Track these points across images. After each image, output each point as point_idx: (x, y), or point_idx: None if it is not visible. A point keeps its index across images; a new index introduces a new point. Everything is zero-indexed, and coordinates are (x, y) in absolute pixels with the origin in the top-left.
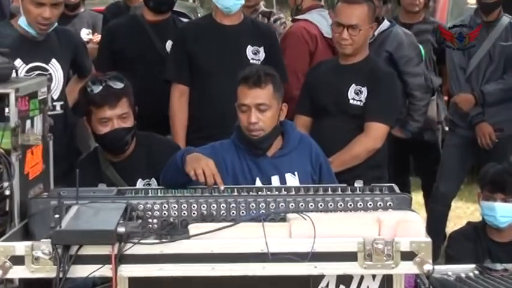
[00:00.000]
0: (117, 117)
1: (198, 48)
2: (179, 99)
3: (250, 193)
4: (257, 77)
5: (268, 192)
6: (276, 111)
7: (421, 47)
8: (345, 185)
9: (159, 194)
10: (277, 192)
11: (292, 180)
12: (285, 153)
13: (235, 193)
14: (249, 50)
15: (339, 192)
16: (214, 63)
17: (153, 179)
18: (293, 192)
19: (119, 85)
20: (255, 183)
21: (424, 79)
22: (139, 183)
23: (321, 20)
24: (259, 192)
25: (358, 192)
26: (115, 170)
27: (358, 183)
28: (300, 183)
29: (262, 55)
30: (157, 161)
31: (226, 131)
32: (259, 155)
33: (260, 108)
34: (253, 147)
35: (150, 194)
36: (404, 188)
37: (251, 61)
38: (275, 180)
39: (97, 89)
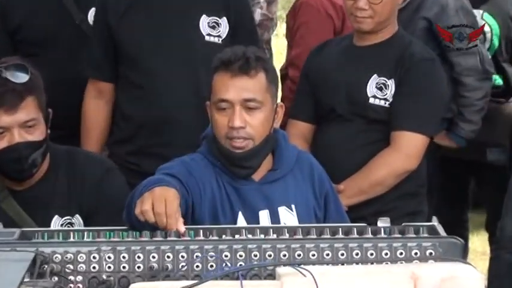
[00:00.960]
0: (19, 126)
1: (123, 24)
2: (95, 101)
3: (224, 236)
4: (245, 60)
5: (250, 236)
6: (270, 112)
7: (485, 16)
8: (363, 224)
9: (85, 239)
10: (262, 236)
11: (288, 216)
12: (278, 178)
13: (201, 237)
14: (204, 22)
15: (355, 235)
16: (146, 44)
17: (77, 216)
18: (286, 235)
19: (21, 78)
20: (236, 220)
21: (479, 61)
22: (55, 222)
23: None
24: (237, 236)
25: (382, 235)
26: (17, 203)
27: (383, 222)
28: (300, 221)
29: (224, 29)
30: (83, 190)
31: (173, 141)
32: (241, 178)
33: (248, 105)
34: (235, 166)
35: (71, 239)
36: (456, 229)
37: (207, 38)
38: (264, 217)
39: None
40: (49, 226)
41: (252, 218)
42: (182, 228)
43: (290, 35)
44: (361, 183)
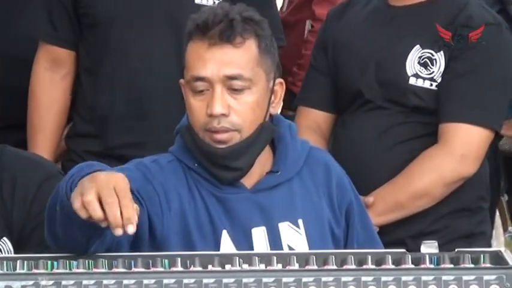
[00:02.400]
0: None
1: None
2: (49, 74)
3: (210, 267)
4: (227, 23)
5: (246, 265)
6: (263, 93)
7: None
8: (401, 250)
9: (18, 270)
10: (263, 266)
11: (292, 234)
12: (279, 183)
13: (179, 267)
14: None
15: (390, 265)
16: (119, 5)
17: (4, 240)
18: (295, 265)
19: None
20: (219, 241)
21: None
22: None
23: None
24: (229, 266)
25: (428, 265)
26: None
27: (429, 247)
28: (310, 242)
29: None
30: (12, 203)
31: (150, 140)
32: (226, 185)
33: (233, 85)
34: (217, 168)
35: None
36: None
37: (197, 1)
38: (259, 236)
39: None
40: None
41: (243, 238)
42: (132, 229)
43: None
44: (398, 195)
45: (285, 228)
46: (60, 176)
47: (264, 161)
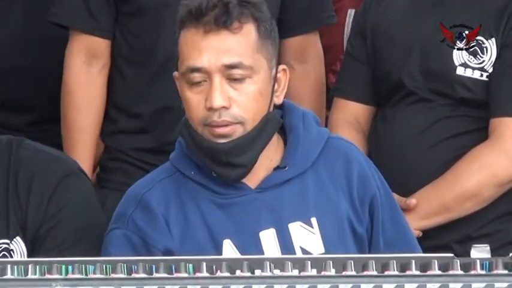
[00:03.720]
0: None
1: None
2: (86, 68)
3: (239, 272)
4: (223, 7)
5: (278, 271)
6: (266, 81)
7: None
8: (449, 255)
9: (29, 276)
10: (296, 271)
11: (305, 235)
12: (288, 179)
13: (205, 273)
14: None
15: (436, 271)
16: None
17: (17, 240)
18: (332, 271)
19: None
20: (220, 253)
21: None
22: None
23: None
24: (259, 271)
25: (479, 271)
26: None
27: (480, 252)
28: (325, 241)
29: None
30: (27, 202)
31: None
32: (227, 188)
33: (232, 75)
34: (219, 165)
35: (9, 275)
36: None
37: None
38: (268, 239)
39: None
40: None
41: (251, 243)
42: None
43: None
44: (444, 196)
45: (297, 229)
46: (81, 173)
47: (271, 156)
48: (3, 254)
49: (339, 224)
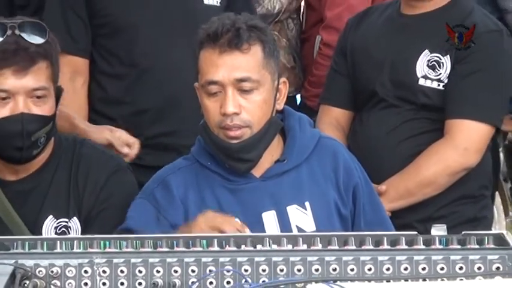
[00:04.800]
0: (26, 93)
1: None
2: (71, 84)
3: (244, 247)
4: (235, 31)
5: (275, 246)
6: (269, 92)
7: None
8: (413, 232)
9: (75, 249)
10: (290, 246)
11: (300, 216)
12: (286, 170)
13: (216, 247)
14: None
15: (403, 246)
16: (144, 15)
17: (75, 220)
18: (319, 246)
19: (36, 38)
20: None
21: None
22: (49, 225)
23: None
24: (260, 246)
25: (438, 246)
26: (7, 196)
27: (438, 230)
28: (316, 222)
29: None
30: (84, 189)
31: (178, 129)
32: (238, 177)
33: (242, 87)
34: (232, 160)
35: (58, 249)
36: None
37: (205, 1)
38: (269, 219)
39: None
40: (41, 228)
41: (255, 222)
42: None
43: None
44: (408, 183)
45: (293, 211)
46: (127, 169)
47: (273, 151)
48: (63, 230)
49: (327, 208)
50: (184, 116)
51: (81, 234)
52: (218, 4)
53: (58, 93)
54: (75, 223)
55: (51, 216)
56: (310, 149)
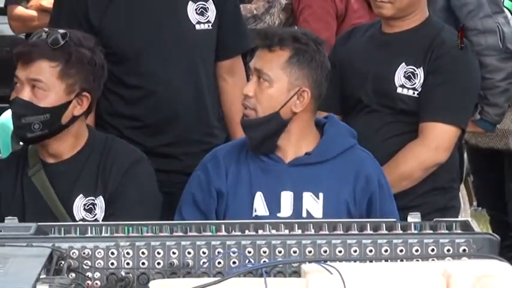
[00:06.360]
0: (28, 81)
1: (108, 19)
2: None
3: (247, 232)
4: (272, 35)
5: (274, 231)
6: (282, 92)
7: None
8: (392, 219)
9: (103, 234)
10: (287, 231)
11: (311, 203)
12: (311, 162)
13: (223, 232)
14: (191, 9)
15: (384, 231)
16: (139, 42)
17: (100, 198)
18: (312, 231)
19: (54, 41)
20: (252, 201)
21: (500, 39)
22: (79, 202)
23: None
24: (261, 231)
25: (413, 231)
26: (47, 176)
27: (413, 217)
28: (325, 211)
29: (212, 13)
30: (110, 173)
31: (177, 140)
32: (267, 158)
33: (260, 76)
34: (246, 135)
35: (89, 234)
36: (500, 225)
37: (197, 27)
38: (286, 198)
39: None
40: (72, 204)
41: (274, 198)
42: None
43: (294, 17)
44: (388, 177)
45: (307, 197)
46: (147, 162)
47: (308, 145)
48: (90, 207)
49: (337, 204)
50: (181, 129)
51: (105, 210)
52: (210, 27)
53: (79, 99)
54: (100, 201)
55: (81, 195)
56: (337, 152)
